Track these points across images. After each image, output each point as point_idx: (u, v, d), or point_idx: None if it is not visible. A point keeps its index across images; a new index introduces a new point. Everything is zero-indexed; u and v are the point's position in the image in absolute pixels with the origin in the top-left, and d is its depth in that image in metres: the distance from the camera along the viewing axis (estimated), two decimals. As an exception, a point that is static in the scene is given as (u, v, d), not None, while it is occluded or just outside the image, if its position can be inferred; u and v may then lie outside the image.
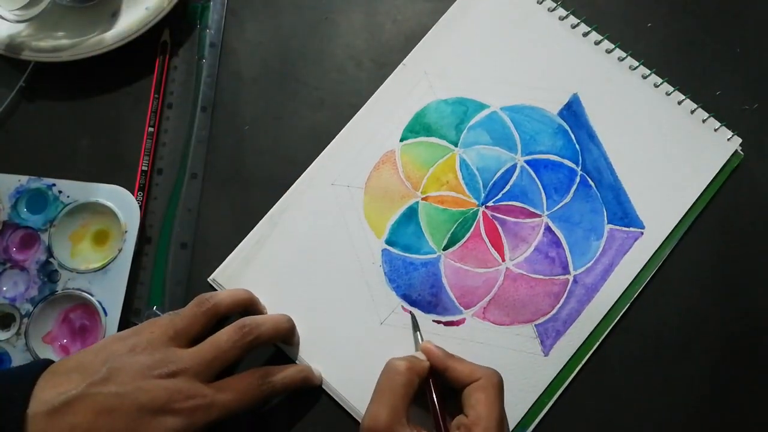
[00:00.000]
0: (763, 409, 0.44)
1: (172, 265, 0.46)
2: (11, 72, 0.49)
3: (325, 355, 0.44)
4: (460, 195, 0.47)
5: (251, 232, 0.46)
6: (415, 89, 0.49)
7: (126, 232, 0.45)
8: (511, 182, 0.47)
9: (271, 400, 0.43)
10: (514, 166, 0.47)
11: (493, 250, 0.46)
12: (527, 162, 0.47)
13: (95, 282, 0.44)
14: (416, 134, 0.48)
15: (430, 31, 0.50)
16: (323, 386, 0.43)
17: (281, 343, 0.44)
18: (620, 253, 0.46)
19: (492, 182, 0.47)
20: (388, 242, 0.46)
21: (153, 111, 0.48)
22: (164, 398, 0.35)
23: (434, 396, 0.39)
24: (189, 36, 0.51)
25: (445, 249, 0.46)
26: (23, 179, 0.45)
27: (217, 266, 0.46)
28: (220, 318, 0.41)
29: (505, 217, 0.47)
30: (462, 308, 0.45)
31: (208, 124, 0.49)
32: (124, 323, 0.44)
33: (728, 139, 0.48)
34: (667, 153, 0.48)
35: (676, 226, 0.46)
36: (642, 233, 0.46)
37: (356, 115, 0.48)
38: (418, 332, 0.44)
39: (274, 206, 0.47)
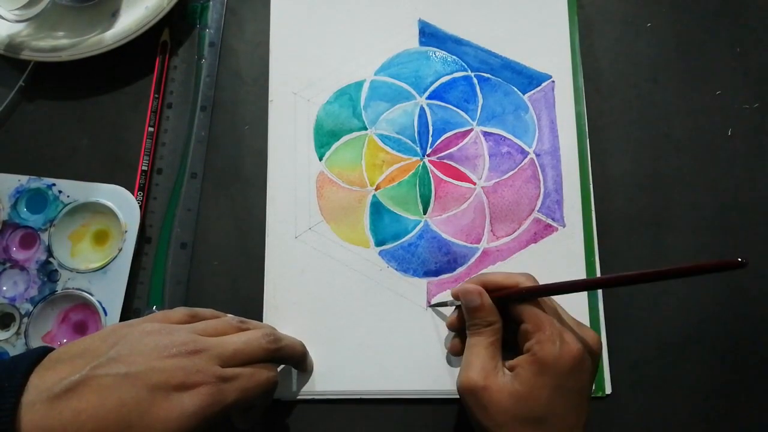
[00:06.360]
0: (764, 408, 0.44)
1: (172, 265, 0.46)
2: (11, 72, 0.49)
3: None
4: (402, 162, 0.48)
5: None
6: (297, 113, 0.49)
7: (126, 231, 0.45)
8: (429, 123, 0.48)
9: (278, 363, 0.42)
10: (421, 109, 0.49)
11: (460, 183, 0.47)
12: (428, 98, 0.49)
13: (95, 282, 0.44)
14: (327, 145, 0.48)
15: (270, 56, 0.50)
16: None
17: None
18: (551, 108, 0.49)
19: (416, 133, 0.48)
20: (378, 244, 0.46)
21: (153, 111, 0.48)
22: (180, 377, 0.33)
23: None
24: (189, 36, 0.51)
25: (425, 212, 0.47)
26: (23, 179, 0.45)
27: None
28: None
29: (447, 151, 0.48)
30: (476, 245, 0.46)
31: (207, 124, 0.49)
32: (124, 323, 0.44)
33: None
34: (520, 10, 0.51)
35: (572, 56, 0.50)
36: (553, 81, 0.49)
37: (268, 171, 0.48)
38: (443, 306, 0.44)
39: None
